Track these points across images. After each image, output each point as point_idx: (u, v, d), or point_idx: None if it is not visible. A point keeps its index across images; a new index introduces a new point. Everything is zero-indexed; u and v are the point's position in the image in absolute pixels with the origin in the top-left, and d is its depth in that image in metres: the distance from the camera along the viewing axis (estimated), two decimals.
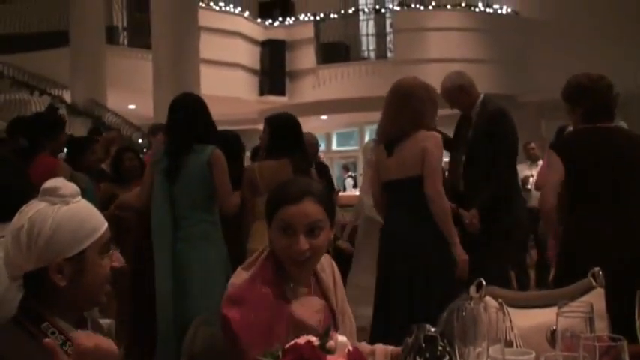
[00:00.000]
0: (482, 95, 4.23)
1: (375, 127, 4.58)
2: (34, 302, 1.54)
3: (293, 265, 1.79)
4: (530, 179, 7.28)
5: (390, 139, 3.50)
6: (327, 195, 1.89)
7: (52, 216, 1.52)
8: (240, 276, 1.83)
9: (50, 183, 1.57)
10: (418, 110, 3.44)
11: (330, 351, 1.37)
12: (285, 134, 4.00)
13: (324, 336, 1.40)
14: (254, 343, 1.61)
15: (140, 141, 10.45)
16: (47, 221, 1.51)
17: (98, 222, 1.59)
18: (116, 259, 1.63)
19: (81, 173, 4.37)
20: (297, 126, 4.07)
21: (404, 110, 3.44)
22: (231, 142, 4.41)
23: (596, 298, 1.82)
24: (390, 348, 1.78)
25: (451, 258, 3.36)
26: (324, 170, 6.24)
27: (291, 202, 1.77)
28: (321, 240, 1.79)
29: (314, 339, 1.39)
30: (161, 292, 3.57)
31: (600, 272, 1.94)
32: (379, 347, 1.80)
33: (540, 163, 7.15)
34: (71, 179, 1.78)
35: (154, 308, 3.60)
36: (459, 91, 4.21)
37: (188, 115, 3.65)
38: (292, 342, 1.39)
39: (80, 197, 1.60)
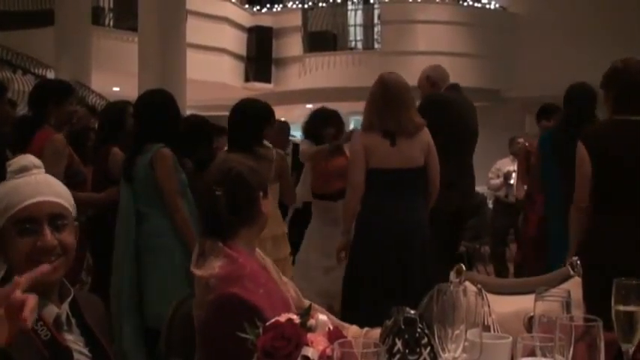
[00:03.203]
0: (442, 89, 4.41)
1: (360, 117, 4.59)
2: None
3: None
4: (513, 174, 7.25)
5: (390, 130, 3.54)
6: None
7: None
8: (211, 265, 1.85)
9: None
10: (415, 108, 3.66)
11: (311, 329, 1.39)
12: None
13: (305, 314, 1.42)
14: (276, 309, 1.64)
15: None
16: None
17: (16, 199, 1.47)
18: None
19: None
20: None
21: (409, 108, 3.58)
22: (197, 128, 4.43)
23: (574, 286, 1.84)
24: (366, 329, 1.81)
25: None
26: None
27: None
28: None
29: (295, 317, 1.41)
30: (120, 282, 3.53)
31: (578, 262, 1.96)
32: (353, 327, 1.84)
33: None
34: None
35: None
36: (425, 81, 4.47)
37: (144, 114, 3.63)
38: (273, 319, 1.40)
39: (25, 173, 1.50)
